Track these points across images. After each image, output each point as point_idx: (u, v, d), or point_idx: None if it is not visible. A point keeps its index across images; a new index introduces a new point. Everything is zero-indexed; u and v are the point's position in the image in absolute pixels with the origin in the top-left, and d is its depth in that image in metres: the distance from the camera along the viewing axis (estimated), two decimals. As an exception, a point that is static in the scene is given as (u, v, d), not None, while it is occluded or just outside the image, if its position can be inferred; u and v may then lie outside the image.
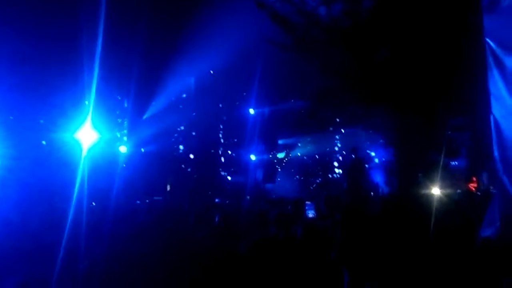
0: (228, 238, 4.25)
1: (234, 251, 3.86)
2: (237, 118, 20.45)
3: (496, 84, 4.56)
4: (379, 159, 21.49)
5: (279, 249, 3.42)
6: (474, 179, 13.00)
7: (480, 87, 4.88)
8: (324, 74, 10.31)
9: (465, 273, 3.86)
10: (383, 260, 3.32)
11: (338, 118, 18.18)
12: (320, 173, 21.79)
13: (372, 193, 12.41)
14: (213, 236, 4.50)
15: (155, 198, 13.80)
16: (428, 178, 10.36)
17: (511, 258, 4.04)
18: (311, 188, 20.38)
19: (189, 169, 18.77)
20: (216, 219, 4.63)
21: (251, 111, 19.68)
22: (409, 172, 10.14)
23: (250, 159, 19.16)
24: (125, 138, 16.41)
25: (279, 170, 20.27)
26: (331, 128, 21.12)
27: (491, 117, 4.63)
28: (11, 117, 11.92)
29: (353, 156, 14.35)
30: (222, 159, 19.80)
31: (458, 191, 11.05)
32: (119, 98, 16.47)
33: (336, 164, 22.07)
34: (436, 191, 10.16)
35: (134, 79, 15.15)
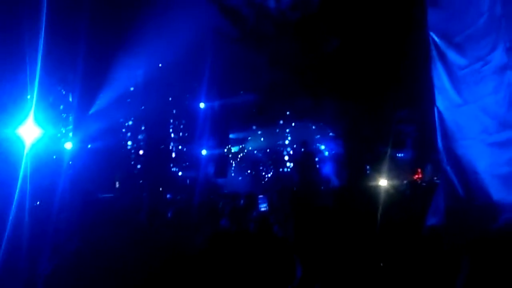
0: (182, 233, 4.17)
1: (188, 246, 3.78)
2: (187, 112, 20.21)
3: (440, 76, 4.68)
4: (329, 152, 21.90)
5: (232, 243, 3.38)
6: (419, 170, 13.46)
7: (425, 79, 5.01)
8: (273, 67, 10.34)
9: (412, 262, 3.95)
10: (333, 253, 3.34)
11: (288, 111, 18.35)
12: (272, 167, 21.95)
13: (322, 186, 12.59)
14: (166, 231, 4.40)
15: (103, 195, 13.41)
16: (376, 170, 10.63)
17: (455, 245, 4.17)
18: (263, 182, 20.50)
19: (138, 165, 18.39)
20: (169, 215, 4.52)
21: (201, 105, 19.51)
22: (357, 164, 10.36)
23: (201, 154, 19.00)
24: (70, 134, 15.84)
25: (231, 164, 20.25)
26: (281, 122, 21.31)
27: (435, 109, 4.76)
28: None
29: (303, 150, 14.51)
30: (173, 154, 19.53)
31: (404, 182, 11.40)
32: (64, 92, 15.86)
33: (287, 157, 22.29)
34: (383, 182, 10.45)
35: (79, 72, 14.61)
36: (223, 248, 3.33)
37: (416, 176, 13.48)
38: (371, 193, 7.79)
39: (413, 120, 11.49)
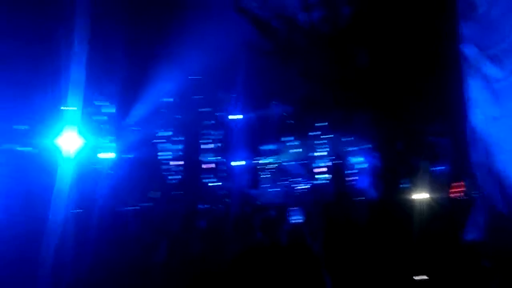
0: (214, 245, 4.25)
1: (219, 258, 3.85)
2: (221, 123, 20.44)
3: (474, 89, 4.63)
4: (363, 164, 21.62)
5: (263, 256, 3.42)
6: (456, 184, 13.14)
7: (459, 93, 4.96)
8: (305, 79, 10.37)
9: (450, 278, 3.90)
10: (366, 268, 3.34)
11: (321, 123, 18.28)
12: (305, 178, 21.83)
13: (356, 199, 12.47)
14: (198, 242, 4.49)
15: (141, 204, 13.70)
16: (411, 183, 10.46)
17: (494, 260, 4.11)
18: (296, 194, 20.41)
19: (173, 175, 18.69)
20: (203, 225, 4.61)
21: (235, 116, 19.69)
22: (392, 177, 10.22)
23: (236, 165, 19.14)
24: (109, 144, 16.28)
25: (264, 175, 20.28)
26: (314, 133, 21.21)
27: (470, 123, 4.70)
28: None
29: (336, 162, 14.42)
30: (208, 165, 19.75)
31: (441, 196, 11.15)
32: (103, 104, 16.37)
33: (320, 169, 22.15)
34: (419, 196, 10.26)
35: (118, 83, 15.06)
36: (253, 261, 3.38)
37: (454, 190, 13.18)
38: (407, 207, 7.69)
39: (448, 133, 11.28)
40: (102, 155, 15.30)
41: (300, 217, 7.50)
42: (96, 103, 15.66)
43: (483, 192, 4.53)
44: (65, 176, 10.62)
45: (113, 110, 16.33)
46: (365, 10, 8.84)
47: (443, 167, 13.83)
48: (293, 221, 7.10)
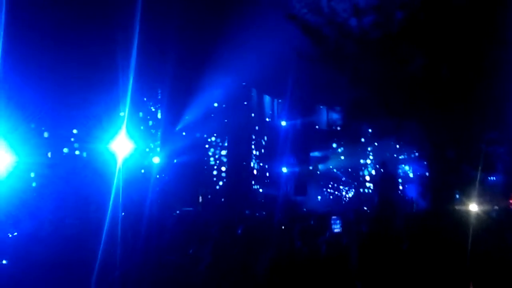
0: (251, 250, 4.22)
1: (254, 264, 3.81)
2: (269, 129, 20.44)
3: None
4: (412, 173, 21.03)
5: (301, 264, 3.35)
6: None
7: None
8: (355, 86, 10.16)
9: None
10: (408, 281, 3.19)
11: (370, 131, 17.90)
12: (352, 186, 21.46)
13: (404, 209, 12.10)
14: (235, 247, 4.47)
15: (185, 209, 13.89)
16: (464, 193, 10.02)
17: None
18: (343, 201, 20.10)
19: (221, 181, 18.86)
20: (239, 231, 4.59)
21: (283, 122, 19.64)
22: (443, 187, 9.83)
23: (282, 172, 19.08)
24: (158, 149, 16.63)
25: (310, 183, 20.09)
26: (363, 141, 20.80)
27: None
28: (42, 128, 12.24)
29: (383, 170, 14.05)
30: (254, 171, 19.80)
31: (496, 207, 10.63)
32: (153, 108, 16.76)
33: (367, 178, 21.69)
34: (472, 207, 9.81)
35: (168, 91, 15.37)
36: (290, 269, 3.31)
37: (509, 201, 12.53)
38: (458, 219, 7.36)
39: (504, 142, 10.73)
40: (151, 160, 15.65)
41: (342, 227, 7.32)
42: (147, 109, 16.05)
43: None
44: (116, 180, 10.92)
45: (162, 115, 16.67)
46: (418, 15, 8.57)
47: (498, 177, 13.19)
48: (334, 231, 6.94)
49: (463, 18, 7.98)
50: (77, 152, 12.87)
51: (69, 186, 11.73)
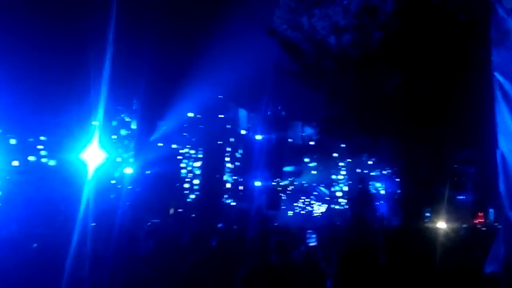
0: (225, 263, 4.19)
1: (230, 277, 3.79)
2: (244, 143, 20.48)
3: (504, 118, 4.50)
4: (385, 190, 21.33)
5: (275, 277, 3.35)
6: (481, 214, 12.82)
7: (488, 121, 4.83)
8: (332, 102, 10.31)
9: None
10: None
11: (344, 147, 18.11)
12: (325, 201, 21.64)
13: (376, 224, 12.27)
14: (208, 261, 4.44)
15: (153, 221, 13.69)
16: (434, 211, 10.22)
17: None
18: (315, 216, 20.22)
19: (193, 193, 18.74)
20: (213, 243, 4.56)
21: (258, 136, 19.74)
22: (414, 204, 10.00)
23: (255, 186, 19.12)
24: (131, 160, 16.44)
25: (283, 197, 20.18)
26: (337, 157, 21.05)
27: (498, 152, 4.56)
28: (8, 135, 11.99)
29: (360, 186, 14.25)
30: (228, 185, 19.76)
31: (464, 225, 10.89)
32: (127, 120, 16.61)
33: (340, 193, 21.94)
34: (441, 225, 10.01)
35: (143, 101, 15.27)
36: (264, 282, 3.31)
37: (477, 220, 12.85)
38: (428, 235, 7.49)
39: (474, 161, 11.02)
40: (123, 170, 15.45)
41: (316, 241, 7.36)
42: (121, 119, 15.91)
43: (507, 223, 4.36)
44: (87, 189, 10.72)
45: (137, 125, 16.55)
46: (396, 36, 8.79)
47: (468, 196, 13.51)
48: (309, 244, 6.98)
49: (438, 41, 8.22)
50: (44, 160, 12.65)
51: (39, 195, 11.48)
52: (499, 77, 4.60)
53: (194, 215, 17.18)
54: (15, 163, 11.83)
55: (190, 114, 17.90)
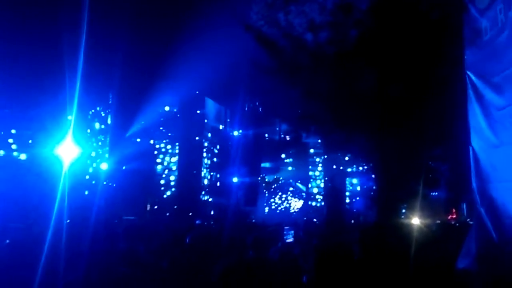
0: (200, 260, 4.19)
1: (205, 274, 3.79)
2: (221, 138, 20.43)
3: (476, 116, 4.61)
4: (359, 187, 21.61)
5: (253, 273, 3.36)
6: (453, 210, 13.09)
7: (461, 119, 4.93)
8: (308, 99, 10.37)
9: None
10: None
11: (320, 143, 18.23)
12: (301, 197, 21.77)
13: (351, 221, 12.40)
14: (183, 258, 4.42)
15: (126, 217, 13.50)
16: (407, 207, 10.39)
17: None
18: (292, 212, 20.33)
19: (170, 189, 18.61)
20: (187, 240, 4.54)
21: (235, 132, 19.71)
22: (389, 200, 10.14)
23: (233, 182, 19.09)
24: (106, 155, 16.21)
25: (261, 193, 20.22)
26: (313, 153, 21.18)
27: (470, 149, 4.67)
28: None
29: (331, 184, 14.40)
30: (205, 181, 19.68)
31: (437, 221, 11.09)
32: (103, 114, 16.36)
33: (316, 190, 22.13)
34: (415, 221, 10.18)
35: (118, 96, 15.05)
36: (242, 278, 3.32)
37: (450, 216, 13.11)
38: (401, 231, 7.59)
39: (447, 158, 11.24)
40: (99, 166, 15.21)
41: (293, 237, 7.42)
42: (95, 113, 15.63)
43: (478, 219, 4.47)
44: (61, 185, 10.54)
45: (112, 120, 16.29)
46: (371, 33, 8.88)
47: (441, 192, 13.77)
48: (286, 240, 7.02)
49: (411, 39, 8.35)
50: (20, 156, 12.34)
51: (11, 191, 11.21)
52: (471, 75, 4.70)
53: (170, 212, 17.05)
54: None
55: (167, 108, 17.74)
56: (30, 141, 12.34)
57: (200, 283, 3.78)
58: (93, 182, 14.59)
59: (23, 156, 12.86)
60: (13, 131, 12.56)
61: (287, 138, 18.13)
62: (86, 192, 13.29)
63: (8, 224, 8.51)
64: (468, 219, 10.26)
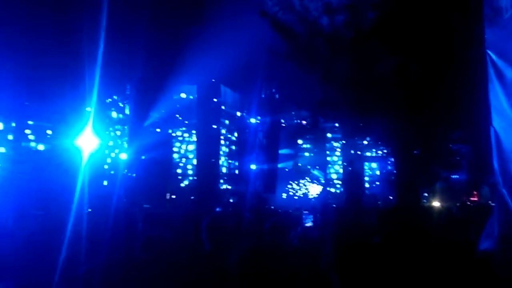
0: (220, 246, 4.22)
1: (222, 260, 3.82)
2: (238, 126, 20.46)
3: (497, 96, 4.51)
4: (379, 171, 21.46)
5: (271, 258, 3.37)
6: (475, 192, 12.93)
7: (481, 99, 4.84)
8: (325, 84, 10.30)
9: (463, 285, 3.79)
10: (378, 274, 3.26)
11: (339, 128, 18.13)
12: (320, 183, 21.73)
13: (370, 205, 12.34)
14: (209, 243, 4.46)
15: (145, 206, 13.62)
16: (428, 190, 10.31)
17: (509, 271, 3.98)
18: (311, 198, 20.33)
19: (188, 178, 18.75)
20: (214, 227, 4.57)
21: (253, 120, 19.70)
22: (409, 184, 10.07)
23: (251, 169, 19.12)
24: (125, 145, 16.37)
25: (279, 180, 20.22)
26: (332, 139, 21.09)
27: (492, 130, 4.58)
28: (12, 122, 11.90)
29: (350, 168, 14.31)
30: (223, 169, 19.77)
31: (458, 204, 10.98)
32: (121, 105, 16.49)
33: (335, 176, 22.08)
34: (436, 204, 10.10)
35: (136, 86, 15.16)
36: (260, 263, 3.33)
37: (472, 198, 12.96)
38: (422, 215, 7.53)
39: (469, 141, 11.07)
40: (118, 156, 15.41)
41: (312, 222, 7.41)
42: (113, 102, 15.77)
43: (501, 201, 4.39)
44: (82, 176, 10.69)
45: (129, 111, 16.42)
46: (389, 15, 8.74)
47: (462, 175, 13.60)
48: (305, 226, 7.02)
49: (430, 19, 8.19)
50: (43, 148, 12.54)
51: (33, 182, 11.42)
52: (492, 55, 4.59)
53: (189, 200, 17.21)
54: (1, 149, 11.78)
55: (183, 95, 17.75)
56: (49, 132, 12.52)
57: (217, 267, 3.81)
58: (112, 172, 14.77)
59: (41, 147, 13.03)
60: (30, 122, 12.74)
61: (305, 124, 18.05)
62: (106, 182, 13.47)
63: (29, 212, 8.68)
64: (490, 201, 10.12)
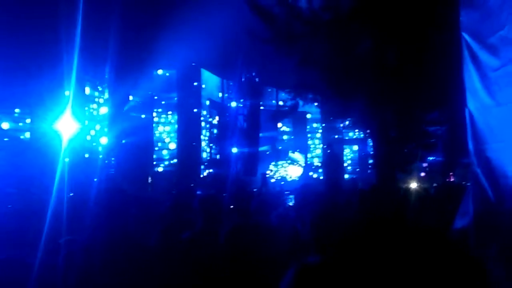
0: (207, 227, 4.30)
1: (210, 241, 3.90)
2: (219, 110, 20.44)
3: (471, 77, 4.62)
4: (358, 153, 21.78)
5: (254, 237, 3.46)
6: (450, 173, 13.23)
7: (457, 81, 4.95)
8: (304, 67, 10.36)
9: (438, 265, 3.92)
10: (354, 252, 3.37)
11: (318, 111, 18.26)
12: (300, 166, 21.93)
13: (349, 187, 12.54)
14: (191, 226, 4.53)
15: (134, 190, 13.64)
16: (405, 172, 10.52)
17: (482, 249, 4.13)
18: (291, 180, 20.51)
19: (169, 161, 18.71)
20: (195, 209, 4.63)
21: (233, 103, 19.69)
22: (385, 165, 10.26)
23: (232, 152, 19.17)
24: (105, 129, 16.22)
25: (260, 163, 20.31)
26: (311, 121, 21.25)
27: (466, 111, 4.70)
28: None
29: (329, 151, 14.49)
30: (204, 154, 19.76)
31: (434, 184, 11.24)
32: (100, 88, 16.27)
33: (316, 159, 22.32)
34: (412, 184, 10.33)
35: (116, 69, 14.96)
36: (240, 240, 3.42)
37: (447, 179, 13.26)
38: (399, 195, 7.72)
39: (443, 122, 11.29)
40: (98, 140, 15.26)
41: (292, 204, 7.54)
42: (91, 87, 15.57)
43: (475, 180, 4.54)
44: (61, 160, 10.60)
45: (108, 95, 16.23)
46: (366, -1, 8.81)
47: (437, 155, 13.89)
48: (284, 207, 7.14)
49: (408, 2, 8.29)
50: (22, 134, 12.36)
51: (11, 167, 11.29)
52: (466, 37, 4.70)
53: (171, 183, 17.19)
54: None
55: (160, 72, 17.33)
56: (29, 117, 12.33)
57: (202, 250, 3.89)
58: (94, 157, 14.65)
59: (27, 134, 12.87)
60: (17, 110, 12.54)
61: (286, 107, 18.11)
62: (89, 167, 13.37)
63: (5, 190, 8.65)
64: (464, 182, 10.39)
